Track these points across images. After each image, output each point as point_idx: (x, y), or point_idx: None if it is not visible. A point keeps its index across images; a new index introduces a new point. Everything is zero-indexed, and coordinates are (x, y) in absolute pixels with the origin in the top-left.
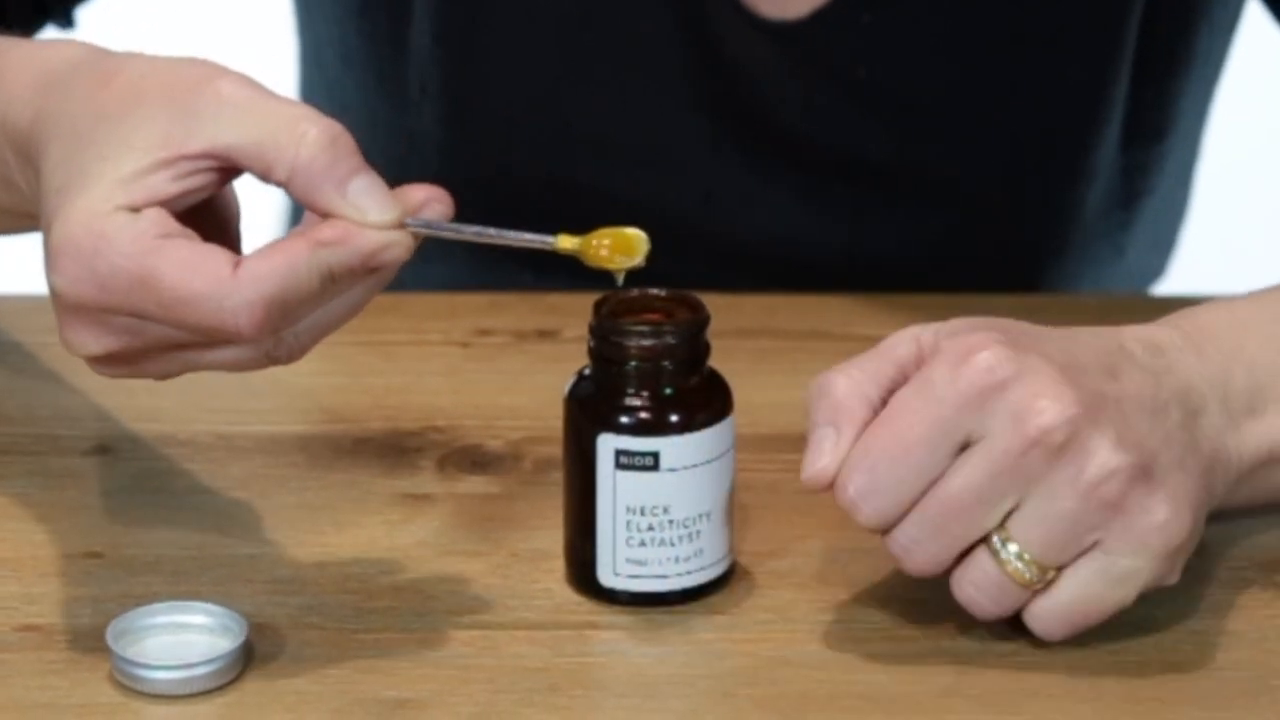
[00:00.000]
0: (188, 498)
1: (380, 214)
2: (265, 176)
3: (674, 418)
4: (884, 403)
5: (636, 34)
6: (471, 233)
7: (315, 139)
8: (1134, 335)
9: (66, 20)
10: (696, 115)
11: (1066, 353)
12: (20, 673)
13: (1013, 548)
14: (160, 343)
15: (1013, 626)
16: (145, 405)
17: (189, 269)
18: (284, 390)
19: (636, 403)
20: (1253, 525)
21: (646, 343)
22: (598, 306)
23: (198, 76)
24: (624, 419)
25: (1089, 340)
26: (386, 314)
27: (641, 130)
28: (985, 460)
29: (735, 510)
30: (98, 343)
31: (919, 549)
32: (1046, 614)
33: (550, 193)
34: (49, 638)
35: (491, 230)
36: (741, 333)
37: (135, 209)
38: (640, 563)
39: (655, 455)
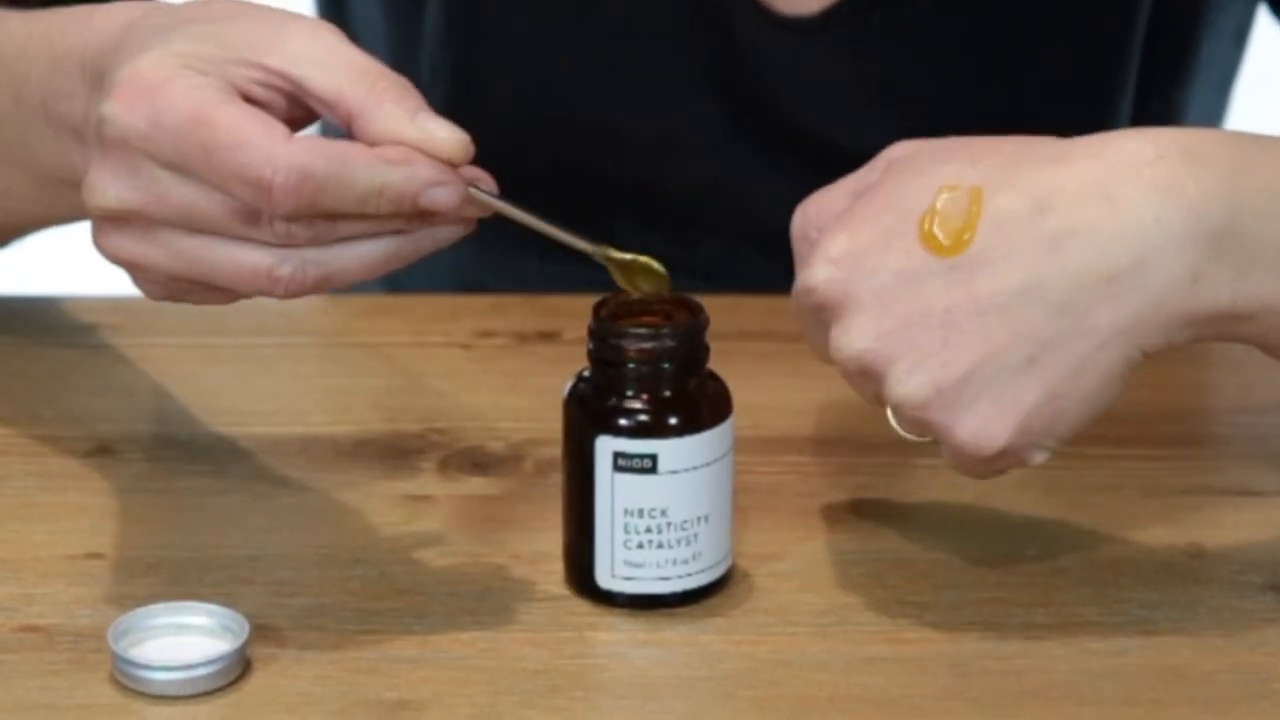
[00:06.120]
0: (189, 499)
1: (449, 133)
2: (332, 107)
3: (672, 420)
4: None
5: (648, 22)
6: (522, 215)
7: (390, 82)
8: (1084, 175)
9: None
10: (706, 105)
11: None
12: (21, 673)
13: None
14: (179, 214)
15: (1011, 629)
16: (147, 406)
17: (246, 118)
18: (285, 392)
19: (635, 405)
20: (1252, 529)
21: (645, 345)
22: (597, 309)
23: (296, 16)
24: (622, 421)
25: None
26: (388, 315)
27: (650, 118)
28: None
29: (735, 512)
30: (118, 192)
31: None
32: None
33: (557, 178)
34: (50, 638)
35: (543, 221)
36: (742, 335)
37: (205, 75)
38: (638, 565)
39: (653, 458)
